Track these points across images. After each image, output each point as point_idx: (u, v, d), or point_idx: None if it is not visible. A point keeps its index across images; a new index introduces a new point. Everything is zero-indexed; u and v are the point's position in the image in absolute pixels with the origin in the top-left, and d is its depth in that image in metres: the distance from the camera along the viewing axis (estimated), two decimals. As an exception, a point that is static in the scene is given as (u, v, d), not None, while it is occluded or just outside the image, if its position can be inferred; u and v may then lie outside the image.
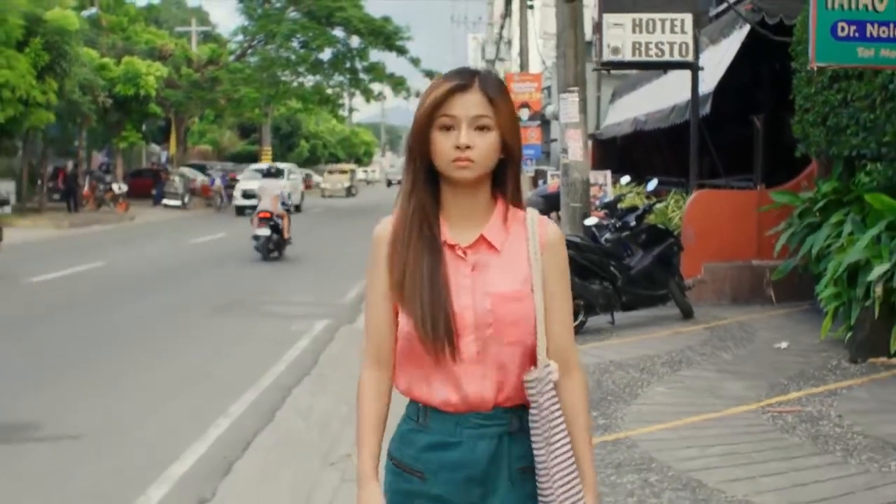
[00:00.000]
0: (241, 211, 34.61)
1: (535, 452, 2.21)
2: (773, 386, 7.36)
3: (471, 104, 2.19)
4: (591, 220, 11.05)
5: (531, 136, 27.47)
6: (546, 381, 2.20)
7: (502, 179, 2.29)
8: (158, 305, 12.82)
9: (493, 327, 2.20)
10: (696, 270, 11.96)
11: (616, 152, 24.19)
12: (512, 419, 2.24)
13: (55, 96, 29.28)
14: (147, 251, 20.84)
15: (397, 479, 2.28)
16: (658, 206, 12.35)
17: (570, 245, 9.98)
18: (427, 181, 2.25)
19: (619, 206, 11.96)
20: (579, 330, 9.81)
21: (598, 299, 9.92)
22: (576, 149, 11.85)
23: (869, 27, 6.88)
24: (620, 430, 6.32)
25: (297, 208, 36.65)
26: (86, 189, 36.97)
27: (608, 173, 17.73)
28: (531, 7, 27.80)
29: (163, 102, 40.38)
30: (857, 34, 6.87)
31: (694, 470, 5.41)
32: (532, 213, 2.30)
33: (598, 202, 13.76)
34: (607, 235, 10.89)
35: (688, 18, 12.20)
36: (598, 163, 24.87)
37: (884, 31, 6.86)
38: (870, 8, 6.85)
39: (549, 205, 14.77)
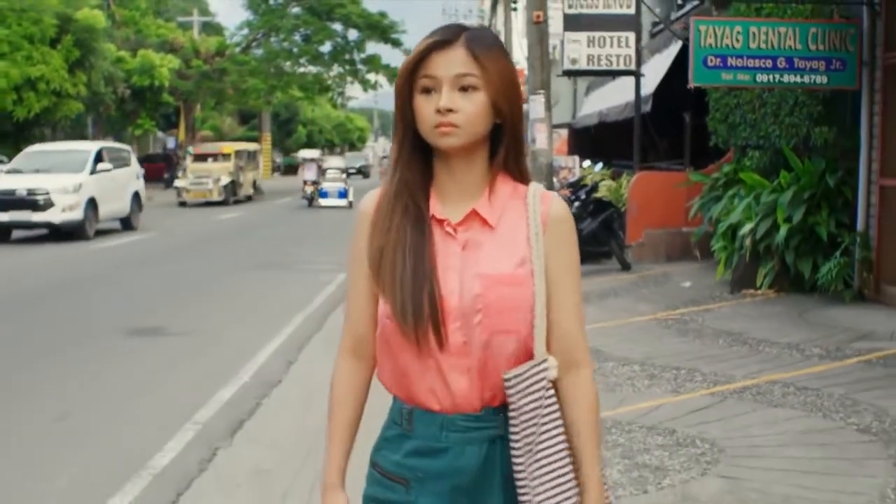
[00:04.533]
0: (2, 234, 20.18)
1: (513, 460, 1.96)
2: (667, 306, 10.57)
3: (452, 62, 1.93)
4: (551, 195, 14.27)
5: (515, 124, 30.65)
6: (534, 380, 1.95)
7: (498, 147, 2.02)
8: (217, 262, 16.18)
9: (483, 314, 1.94)
10: (639, 235, 15.13)
11: (589, 139, 27.29)
12: (504, 421, 1.99)
13: (84, 88, 32.37)
14: (184, 226, 24.00)
15: (379, 487, 2.07)
16: (604, 183, 15.50)
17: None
18: (415, 151, 2.01)
19: (581, 184, 15.22)
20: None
21: (554, 254, 13.08)
22: (542, 139, 15.02)
23: (729, 59, 10.04)
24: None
25: (127, 224, 22.51)
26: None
27: (577, 158, 21.01)
28: (514, 9, 30.90)
29: (174, 92, 43.43)
30: (720, 64, 10.04)
31: (597, 345, 8.57)
32: (534, 187, 2.05)
33: (567, 182, 17.02)
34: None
35: (631, 36, 15.38)
36: (574, 148, 28.13)
37: (739, 62, 10.03)
38: (730, 46, 10.02)
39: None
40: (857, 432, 5.82)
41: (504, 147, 2.02)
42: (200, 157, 35.13)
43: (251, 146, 39.71)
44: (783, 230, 10.49)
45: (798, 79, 10.07)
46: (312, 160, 34.86)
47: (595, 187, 14.48)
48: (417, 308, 1.93)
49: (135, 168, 23.86)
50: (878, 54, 9.97)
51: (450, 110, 1.92)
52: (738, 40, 10.03)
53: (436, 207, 2.01)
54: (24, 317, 10.89)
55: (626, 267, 13.76)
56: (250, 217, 27.48)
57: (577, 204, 13.81)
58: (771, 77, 10.08)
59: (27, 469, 5.69)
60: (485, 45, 1.95)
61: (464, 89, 1.94)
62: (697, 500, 4.80)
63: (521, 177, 2.06)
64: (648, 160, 17.68)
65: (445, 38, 1.95)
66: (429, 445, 2.00)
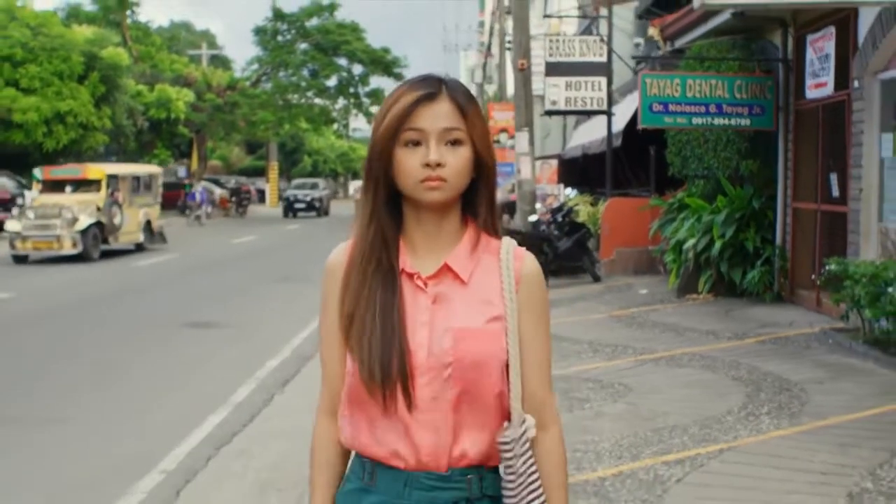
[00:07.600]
0: None
1: None
2: (623, 307, 12.90)
3: (440, 115, 1.90)
4: (533, 217, 16.67)
5: (509, 156, 33.22)
6: (523, 440, 1.92)
7: (473, 201, 1.98)
8: (243, 276, 18.50)
9: (454, 368, 1.90)
10: (611, 253, 17.46)
11: (577, 169, 29.68)
12: (471, 483, 1.94)
13: (109, 121, 34.86)
14: (204, 248, 26.35)
15: None
16: (579, 207, 17.87)
17: (516, 233, 15.72)
18: (388, 203, 1.96)
19: (559, 209, 17.61)
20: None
21: (535, 267, 15.49)
22: (526, 170, 17.43)
23: (670, 105, 12.40)
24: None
25: None
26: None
27: (561, 186, 23.46)
28: (510, 49, 33.34)
29: (188, 124, 45.96)
30: (663, 109, 12.41)
31: (557, 332, 10.87)
32: (507, 243, 2.00)
33: (550, 207, 19.41)
34: (546, 228, 16.49)
35: (603, 80, 17.81)
36: (563, 177, 30.49)
37: (678, 108, 12.39)
38: (670, 95, 12.38)
39: (508, 210, 20.36)
40: (730, 380, 8.15)
41: (482, 200, 1.99)
42: (52, 185, 22.70)
43: (144, 169, 26.76)
44: (718, 245, 12.82)
45: (726, 121, 12.43)
46: (357, 190, 53.70)
47: (570, 211, 16.84)
48: (386, 367, 1.88)
49: None
50: (790, 101, 12.33)
51: (439, 164, 1.88)
52: (676, 90, 12.40)
53: (405, 260, 1.97)
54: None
55: (596, 279, 16.08)
56: (262, 242, 29.79)
57: (555, 225, 16.16)
58: (704, 120, 12.44)
59: (137, 405, 8.03)
60: (467, 98, 1.94)
61: (451, 143, 1.90)
62: (607, 415, 7.12)
63: (495, 231, 2.01)
64: (624, 188, 20.08)
65: (430, 90, 1.92)
66: (391, 502, 1.94)
